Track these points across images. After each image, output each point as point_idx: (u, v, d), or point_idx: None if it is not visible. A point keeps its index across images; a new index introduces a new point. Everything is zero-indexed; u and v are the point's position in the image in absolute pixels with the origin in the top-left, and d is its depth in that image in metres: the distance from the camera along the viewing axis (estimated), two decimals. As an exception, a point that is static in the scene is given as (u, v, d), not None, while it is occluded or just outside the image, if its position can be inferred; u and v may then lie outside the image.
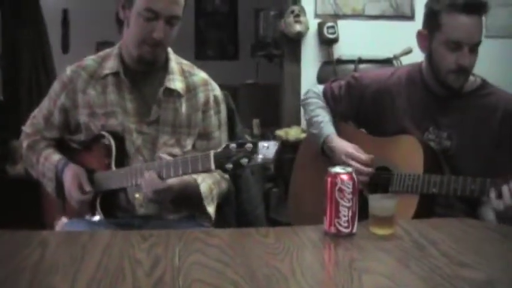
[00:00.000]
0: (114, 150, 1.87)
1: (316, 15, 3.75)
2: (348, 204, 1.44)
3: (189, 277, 1.19)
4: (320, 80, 3.56)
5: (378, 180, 2.06)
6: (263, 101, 4.73)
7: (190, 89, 1.92)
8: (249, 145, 1.54)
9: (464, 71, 1.95)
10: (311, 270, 1.27)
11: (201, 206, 1.85)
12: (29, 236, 1.46)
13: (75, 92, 1.93)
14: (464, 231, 1.56)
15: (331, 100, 2.25)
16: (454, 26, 1.91)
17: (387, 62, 3.51)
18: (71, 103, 1.94)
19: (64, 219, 1.95)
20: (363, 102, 2.17)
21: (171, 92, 1.90)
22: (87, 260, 1.29)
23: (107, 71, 1.91)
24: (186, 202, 1.87)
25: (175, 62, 1.95)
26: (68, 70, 1.96)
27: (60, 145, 2.04)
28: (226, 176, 1.96)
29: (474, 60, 1.95)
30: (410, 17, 3.77)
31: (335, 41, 3.69)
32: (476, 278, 1.19)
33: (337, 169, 1.48)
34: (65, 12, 6.18)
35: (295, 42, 3.76)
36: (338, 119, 2.27)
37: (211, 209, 1.86)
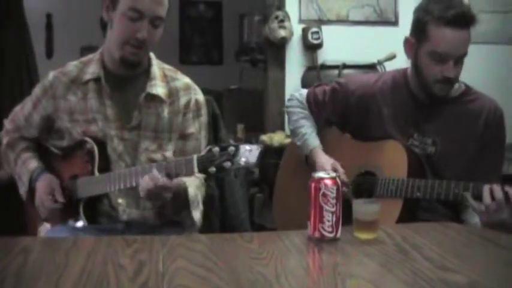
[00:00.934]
0: (96, 156, 1.86)
1: (301, 21, 3.76)
2: (331, 209, 1.45)
3: (173, 283, 1.18)
4: (304, 85, 3.56)
5: (363, 185, 2.07)
6: (247, 106, 4.72)
7: (173, 94, 1.92)
8: (232, 148, 1.55)
9: (449, 81, 1.97)
10: (295, 275, 1.27)
11: (186, 210, 1.84)
12: (10, 242, 1.45)
13: (55, 98, 1.93)
14: (447, 236, 1.57)
15: (314, 105, 2.26)
16: (441, 38, 1.91)
17: (371, 67, 3.52)
18: (52, 109, 1.94)
19: (47, 225, 1.94)
20: (348, 108, 2.18)
21: (152, 98, 1.89)
22: (70, 266, 1.28)
23: (88, 77, 1.90)
24: (172, 205, 1.86)
25: (158, 67, 1.95)
26: (50, 75, 1.95)
27: (42, 150, 2.04)
28: (203, 180, 1.96)
29: (459, 71, 1.97)
30: (394, 23, 3.80)
31: (319, 46, 3.70)
32: (459, 282, 1.20)
33: (321, 174, 1.48)
34: (49, 17, 6.14)
35: (279, 47, 3.77)
36: (322, 124, 2.28)
37: (197, 214, 1.85)
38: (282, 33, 3.65)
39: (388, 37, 3.54)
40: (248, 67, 4.62)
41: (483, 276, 1.24)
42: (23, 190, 1.99)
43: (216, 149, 1.57)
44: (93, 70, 1.90)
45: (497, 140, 2.04)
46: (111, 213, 1.90)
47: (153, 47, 1.88)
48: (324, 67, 3.61)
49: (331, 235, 1.45)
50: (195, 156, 1.61)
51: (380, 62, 3.54)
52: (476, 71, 2.68)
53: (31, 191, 1.97)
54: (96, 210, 1.90)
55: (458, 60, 1.94)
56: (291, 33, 3.70)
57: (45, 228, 1.95)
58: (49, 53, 6.08)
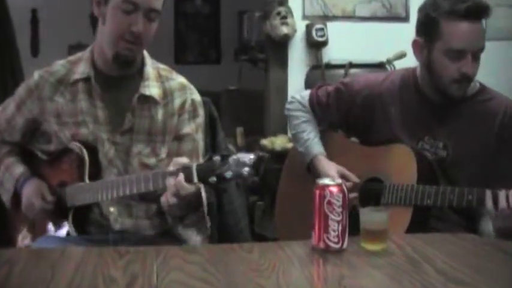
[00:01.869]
0: (87, 162, 1.87)
1: (304, 17, 3.77)
2: (337, 218, 1.45)
3: (167, 296, 1.19)
4: (308, 85, 3.57)
5: (370, 192, 2.07)
6: (247, 108, 4.73)
7: (167, 95, 1.93)
8: (234, 157, 1.55)
9: (468, 79, 1.97)
10: (298, 288, 1.27)
11: (197, 214, 1.84)
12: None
13: (41, 99, 1.93)
14: (461, 247, 1.57)
15: (317, 108, 2.26)
16: (456, 34, 1.92)
17: (380, 66, 3.53)
18: (38, 111, 1.94)
19: (25, 233, 1.95)
20: (353, 110, 2.18)
21: (146, 99, 1.90)
22: (57, 278, 1.28)
23: (76, 77, 1.90)
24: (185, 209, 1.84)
25: (152, 66, 1.95)
26: (36, 75, 1.95)
27: (26, 154, 2.04)
28: None
29: (477, 67, 1.97)
30: (405, 19, 3.80)
31: (324, 44, 3.71)
32: (473, 296, 1.21)
33: (326, 181, 1.49)
34: (34, 12, 6.16)
35: (281, 45, 3.78)
36: (326, 128, 2.28)
37: (208, 218, 1.85)
38: (284, 30, 3.66)
39: (398, 34, 3.54)
40: (248, 67, 4.63)
41: (499, 290, 1.25)
42: (6, 197, 1.99)
43: (217, 158, 1.57)
44: (82, 69, 1.91)
45: None
46: (102, 222, 1.90)
47: (148, 43, 1.89)
48: (329, 66, 3.62)
49: (337, 246, 1.46)
50: (194, 165, 1.61)
51: (389, 61, 3.55)
52: (492, 69, 2.68)
53: (16, 197, 1.97)
54: (86, 219, 1.90)
55: (476, 56, 1.94)
56: (294, 30, 3.71)
57: (25, 236, 1.96)
58: (34, 51, 6.10)
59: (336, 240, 1.46)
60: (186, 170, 1.63)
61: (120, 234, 1.90)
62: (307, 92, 2.32)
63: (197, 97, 1.98)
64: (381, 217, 1.52)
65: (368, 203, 2.00)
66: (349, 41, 3.74)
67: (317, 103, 2.26)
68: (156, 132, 1.91)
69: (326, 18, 3.77)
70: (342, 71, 3.52)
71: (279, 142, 3.47)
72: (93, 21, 1.93)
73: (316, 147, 2.19)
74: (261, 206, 3.55)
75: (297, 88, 3.62)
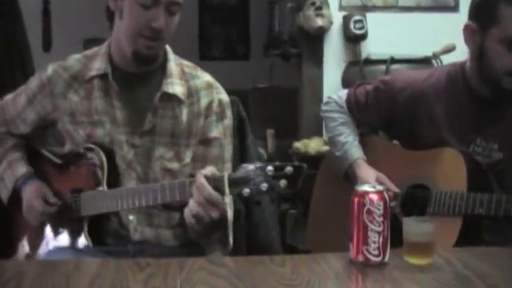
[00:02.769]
0: (105, 166, 1.88)
1: (341, 8, 3.77)
2: (378, 229, 1.45)
3: (191, 313, 1.20)
4: (345, 83, 3.57)
5: (414, 201, 2.06)
6: (278, 108, 4.73)
7: (192, 94, 1.94)
8: (270, 168, 1.56)
9: None
10: (335, 306, 1.28)
11: (220, 231, 1.84)
12: (1, 265, 1.47)
13: (53, 96, 1.95)
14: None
15: (356, 109, 2.26)
16: None
17: (425, 61, 3.51)
18: (50, 108, 1.97)
19: (25, 242, 1.99)
20: (395, 110, 2.18)
21: (169, 98, 1.91)
22: (72, 293, 1.30)
23: (92, 73, 1.92)
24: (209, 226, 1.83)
25: (175, 62, 1.96)
26: (49, 69, 1.98)
27: (37, 157, 2.06)
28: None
29: None
30: (453, 8, 3.78)
31: (363, 37, 3.70)
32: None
33: (366, 187, 1.48)
34: (46, 4, 6.22)
35: (316, 39, 3.78)
36: (365, 131, 2.28)
37: (231, 236, 1.85)
38: (319, 22, 3.66)
39: (445, 25, 3.53)
40: (279, 62, 4.64)
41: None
42: (4, 194, 2.02)
43: (251, 168, 1.57)
44: (99, 65, 1.92)
45: None
46: (121, 232, 1.92)
47: (170, 38, 1.90)
48: (369, 62, 3.61)
49: (378, 259, 1.46)
50: (226, 175, 1.62)
51: (436, 55, 3.53)
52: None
53: (15, 197, 2.00)
54: (102, 229, 1.92)
55: None
56: (330, 23, 3.71)
57: (25, 245, 1.99)
58: (46, 46, 6.16)
59: (376, 252, 1.45)
60: (216, 180, 1.63)
61: (139, 245, 1.91)
62: (345, 92, 2.32)
63: (225, 97, 1.99)
64: (427, 228, 1.51)
65: (412, 212, 1.99)
66: (390, 33, 3.73)
67: (355, 103, 2.26)
68: (180, 134, 1.92)
69: (365, 8, 3.76)
70: (382, 67, 3.50)
71: (313, 145, 3.47)
72: (110, 15, 1.94)
73: (354, 151, 2.19)
74: (293, 214, 3.54)
75: (333, 86, 3.62)
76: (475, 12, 2.00)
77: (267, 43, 5.30)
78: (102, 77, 1.92)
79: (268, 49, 4.99)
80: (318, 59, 3.80)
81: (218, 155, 1.95)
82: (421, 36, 3.68)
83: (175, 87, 1.92)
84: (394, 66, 3.49)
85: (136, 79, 1.93)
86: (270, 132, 4.22)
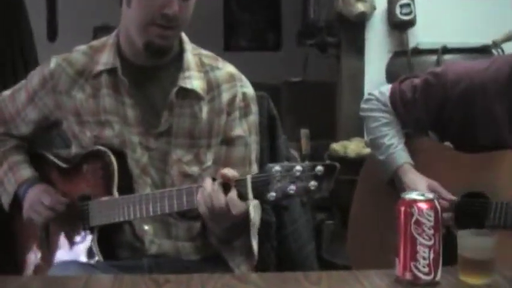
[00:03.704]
0: (116, 171, 1.89)
1: (386, -10, 3.76)
2: (428, 242, 1.44)
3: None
4: (389, 77, 3.56)
5: (470, 211, 2.05)
6: (314, 105, 4.73)
7: (213, 88, 1.94)
8: (298, 168, 1.55)
9: None
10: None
11: (242, 236, 1.85)
12: (3, 281, 1.48)
13: (56, 93, 1.96)
14: None
15: (401, 106, 2.26)
16: None
17: (483, 51, 3.48)
18: (53, 105, 1.98)
19: (36, 252, 2.00)
20: (447, 107, 2.17)
21: (187, 94, 1.91)
22: (81, 312, 1.31)
23: (99, 67, 1.93)
24: (228, 229, 1.83)
25: (192, 53, 1.96)
26: (52, 62, 1.99)
27: (40, 161, 2.08)
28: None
29: None
30: (516, -10, 3.74)
31: (411, 23, 3.69)
32: None
33: (414, 195, 1.48)
34: (52, -12, 6.29)
35: (356, 26, 3.78)
36: (412, 132, 2.27)
37: (255, 243, 1.85)
38: (361, 7, 3.66)
39: (507, 9, 3.49)
40: (315, 53, 4.64)
41: None
42: (5, 199, 2.05)
43: (277, 168, 1.57)
44: (106, 59, 1.93)
45: None
46: (135, 244, 1.92)
47: (185, 25, 1.90)
48: (417, 52, 3.59)
49: (428, 277, 1.45)
50: (248, 177, 1.62)
51: (496, 44, 3.49)
52: None
53: (16, 203, 2.02)
54: (114, 240, 1.93)
55: None
56: (373, 8, 3.70)
57: (35, 256, 2.00)
58: (52, 35, 6.21)
59: (426, 270, 1.44)
60: (238, 183, 1.63)
61: (156, 258, 1.91)
62: (388, 87, 2.31)
63: (249, 90, 1.99)
64: (486, 243, 1.49)
65: (468, 225, 1.97)
66: (443, 19, 3.71)
67: (401, 100, 2.25)
68: (200, 134, 1.92)
69: (413, -10, 3.74)
70: (433, 58, 3.48)
71: (353, 147, 3.47)
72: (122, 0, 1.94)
73: (400, 155, 2.19)
74: (330, 226, 3.54)
75: (375, 80, 3.61)
76: None
77: (300, 31, 5.31)
78: (111, 71, 1.92)
79: (302, 38, 5.00)
80: (358, 49, 3.80)
81: (243, 155, 1.95)
82: (478, 21, 3.65)
83: (193, 81, 1.92)
84: (447, 57, 3.47)
85: (149, 73, 1.93)
86: (304, 132, 4.21)
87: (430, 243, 1.44)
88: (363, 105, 2.35)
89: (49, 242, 2.01)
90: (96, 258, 1.89)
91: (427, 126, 2.28)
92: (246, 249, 1.86)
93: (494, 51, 3.49)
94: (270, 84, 4.93)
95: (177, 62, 1.94)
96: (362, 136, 3.56)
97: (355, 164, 2.83)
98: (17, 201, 2.03)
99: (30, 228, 2.04)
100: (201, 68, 1.95)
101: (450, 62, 3.17)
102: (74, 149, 2.00)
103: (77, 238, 1.96)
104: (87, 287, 1.48)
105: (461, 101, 2.14)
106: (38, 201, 1.96)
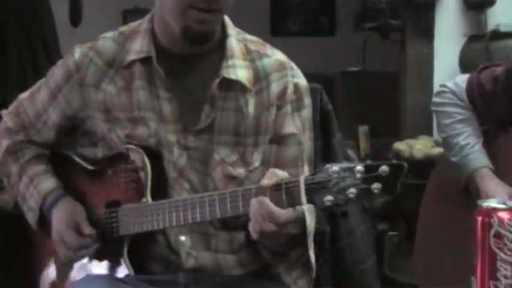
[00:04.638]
0: (149, 173, 1.90)
1: (459, -35, 3.75)
2: (510, 259, 1.43)
3: None
4: (464, 65, 3.54)
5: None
6: (374, 98, 4.73)
7: (260, 78, 1.93)
8: (360, 168, 1.54)
9: None
10: None
11: (299, 247, 1.84)
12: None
13: (83, 87, 1.97)
14: None
15: (480, 101, 2.25)
16: None
17: None
18: (79, 102, 1.99)
19: (53, 268, 2.02)
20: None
21: (231, 85, 1.91)
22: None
23: (132, 57, 1.93)
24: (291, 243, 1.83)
25: (237, 39, 1.96)
26: (77, 52, 1.99)
27: (62, 161, 2.10)
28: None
29: None
30: None
31: (490, 2, 3.66)
32: None
33: (493, 203, 1.46)
34: (75, -34, 6.35)
35: (424, 7, 3.76)
36: (492, 130, 2.26)
37: (312, 255, 1.85)
38: (429, -16, 3.64)
39: None
40: (375, 39, 4.63)
41: None
42: (31, 218, 2.05)
43: (335, 168, 1.56)
44: (139, 47, 1.94)
45: None
46: (170, 257, 1.93)
47: (228, 8, 1.90)
48: (498, 36, 3.57)
49: (510, 299, 1.43)
50: (301, 178, 1.61)
51: None
52: None
53: (43, 221, 2.03)
54: (146, 252, 1.94)
55: None
56: (443, -15, 3.69)
57: (51, 272, 2.02)
58: (75, 19, 6.26)
59: (508, 290, 1.43)
60: (290, 185, 1.63)
61: (194, 273, 1.92)
62: (465, 78, 2.30)
63: (302, 81, 1.98)
64: None
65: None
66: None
67: (479, 93, 2.24)
68: (246, 131, 1.92)
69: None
70: (516, 43, 3.46)
71: (420, 147, 3.45)
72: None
73: (477, 157, 2.17)
74: (393, 237, 3.53)
75: (447, 69, 3.59)
76: None
77: (358, 14, 5.29)
78: (144, 61, 1.93)
79: (361, 21, 4.97)
80: (427, 33, 3.79)
81: (295, 155, 1.95)
82: None
83: (238, 71, 1.92)
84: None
85: (187, 63, 1.94)
86: (362, 129, 4.21)
87: (513, 259, 1.43)
88: (435, 99, 2.34)
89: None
90: (127, 272, 1.90)
91: (510, 123, 2.26)
92: (303, 261, 1.86)
93: None
94: (323, 75, 4.93)
95: (220, 50, 1.94)
96: (430, 134, 3.55)
97: (422, 166, 2.82)
98: (42, 217, 2.04)
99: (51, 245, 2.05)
100: (247, 55, 1.95)
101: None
102: (101, 150, 2.01)
103: (104, 249, 1.97)
104: (116, 306, 1.49)
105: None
106: (62, 241, 1.96)
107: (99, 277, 1.94)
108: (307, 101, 1.99)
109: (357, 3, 5.52)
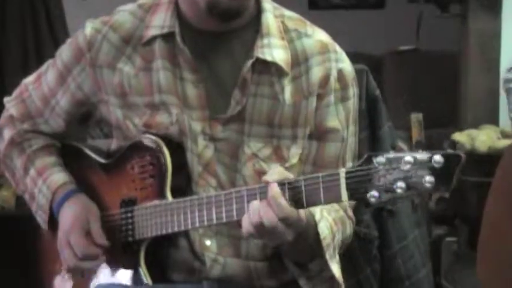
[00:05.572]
0: (169, 168, 1.92)
1: None
2: None
3: None
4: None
5: None
6: (429, 82, 4.71)
7: (299, 61, 1.94)
8: (409, 158, 1.54)
9: None
10: None
11: (316, 260, 1.85)
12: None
13: (96, 67, 1.98)
14: None
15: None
16: None
17: None
18: (91, 84, 2.00)
19: (65, 275, 2.04)
20: None
21: (266, 67, 1.91)
22: None
23: (152, 32, 1.95)
24: (291, 251, 1.86)
25: (273, 14, 1.97)
26: (88, 28, 2.01)
27: (72, 153, 2.12)
28: (350, 212, 1.97)
29: None
30: None
31: None
32: None
33: None
34: None
35: (489, -25, 3.75)
36: None
37: (335, 267, 1.86)
38: None
39: None
40: (431, 12, 4.61)
41: None
42: (41, 218, 2.07)
43: (381, 159, 1.56)
44: (161, 21, 1.95)
45: None
46: (193, 264, 1.95)
47: None
48: None
49: None
50: (342, 172, 1.62)
51: None
52: None
53: (53, 220, 2.04)
54: (167, 259, 1.95)
55: None
56: None
57: (63, 279, 2.04)
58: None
59: None
60: (327, 179, 1.64)
61: (220, 283, 1.94)
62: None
63: (347, 66, 1.97)
64: None
65: None
66: None
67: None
68: (281, 121, 1.92)
69: None
70: None
71: (484, 138, 3.43)
72: None
73: None
74: (452, 244, 3.52)
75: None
76: None
77: (412, -17, 5.28)
78: (167, 37, 1.93)
79: (415, -8, 4.97)
80: (493, 5, 3.76)
81: (336, 154, 1.95)
82: None
83: (275, 51, 1.92)
84: None
85: (216, 41, 1.94)
86: (415, 117, 4.19)
87: None
88: (507, 75, 2.33)
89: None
90: (144, 281, 1.92)
91: None
92: (328, 274, 1.86)
93: None
94: (370, 55, 4.92)
95: (253, 27, 1.94)
96: (496, 124, 3.53)
97: (486, 161, 2.82)
98: (51, 217, 2.05)
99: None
100: (285, 34, 1.95)
101: None
102: (116, 140, 2.04)
103: (119, 256, 1.98)
104: (132, 318, 1.51)
105: None
106: (67, 245, 1.97)
107: (114, 286, 1.96)
108: (353, 90, 1.98)
109: (410, -30, 5.51)
